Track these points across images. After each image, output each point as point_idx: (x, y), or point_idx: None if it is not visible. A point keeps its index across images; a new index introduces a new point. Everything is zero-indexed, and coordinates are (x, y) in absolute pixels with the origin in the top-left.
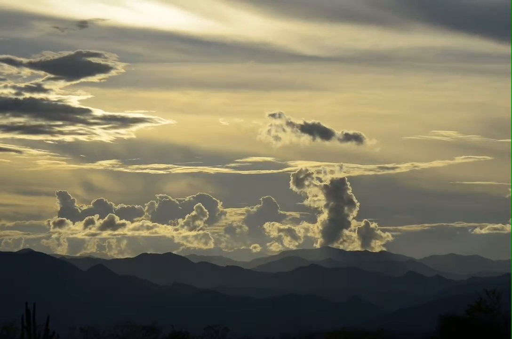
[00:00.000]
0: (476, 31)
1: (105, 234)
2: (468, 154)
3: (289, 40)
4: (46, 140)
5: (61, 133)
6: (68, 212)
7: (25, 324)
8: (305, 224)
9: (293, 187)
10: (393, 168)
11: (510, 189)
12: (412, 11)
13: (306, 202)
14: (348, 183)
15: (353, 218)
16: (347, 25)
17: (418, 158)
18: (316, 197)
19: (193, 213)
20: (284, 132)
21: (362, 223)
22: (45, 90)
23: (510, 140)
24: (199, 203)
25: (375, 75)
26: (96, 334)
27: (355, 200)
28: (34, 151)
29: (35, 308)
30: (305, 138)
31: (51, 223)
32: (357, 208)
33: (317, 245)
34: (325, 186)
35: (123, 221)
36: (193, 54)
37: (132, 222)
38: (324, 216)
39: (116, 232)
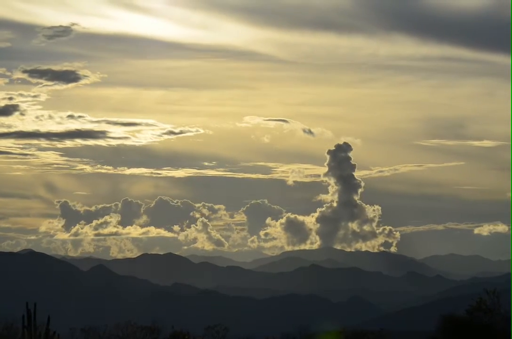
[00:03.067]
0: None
1: (105, 234)
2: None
3: (261, 45)
4: (42, 144)
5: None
6: (68, 212)
7: (25, 324)
8: (305, 224)
9: (291, 188)
10: (379, 172)
11: (509, 193)
12: (392, 21)
13: (306, 202)
14: (346, 183)
15: (354, 218)
16: (327, 34)
17: (406, 161)
18: (316, 198)
19: (193, 213)
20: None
21: (363, 223)
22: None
23: (510, 142)
24: (199, 204)
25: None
26: (97, 334)
27: (355, 201)
28: (31, 155)
29: (35, 308)
30: (286, 139)
31: (51, 224)
32: (357, 208)
33: (318, 245)
34: (324, 187)
35: (123, 222)
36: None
37: (132, 223)
38: (324, 216)
39: (116, 233)
